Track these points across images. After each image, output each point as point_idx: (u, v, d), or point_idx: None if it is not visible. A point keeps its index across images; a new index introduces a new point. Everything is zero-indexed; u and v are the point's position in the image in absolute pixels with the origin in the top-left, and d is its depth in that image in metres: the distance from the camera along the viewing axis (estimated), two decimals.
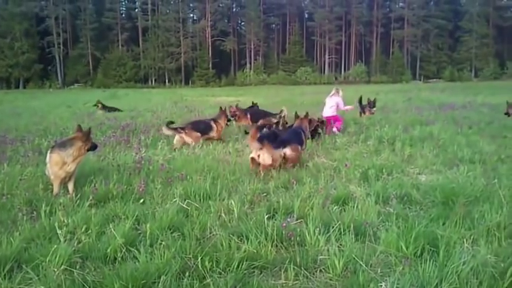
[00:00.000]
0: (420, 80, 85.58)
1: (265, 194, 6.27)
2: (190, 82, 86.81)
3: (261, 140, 7.89)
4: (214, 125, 11.46)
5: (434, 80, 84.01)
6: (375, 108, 16.67)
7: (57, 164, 6.34)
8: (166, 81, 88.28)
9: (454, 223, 4.79)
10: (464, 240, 4.42)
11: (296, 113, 10.31)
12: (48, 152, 6.58)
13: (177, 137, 10.77)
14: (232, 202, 5.50)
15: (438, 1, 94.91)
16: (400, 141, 10.35)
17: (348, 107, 14.42)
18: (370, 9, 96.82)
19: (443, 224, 4.87)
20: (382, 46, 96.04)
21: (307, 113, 10.16)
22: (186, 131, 10.80)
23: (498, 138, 11.02)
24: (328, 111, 13.59)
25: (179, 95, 39.69)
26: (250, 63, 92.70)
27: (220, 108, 12.49)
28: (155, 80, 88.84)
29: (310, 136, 10.47)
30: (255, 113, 14.69)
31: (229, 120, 12.64)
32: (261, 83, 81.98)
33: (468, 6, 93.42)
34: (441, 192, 5.93)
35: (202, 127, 11.26)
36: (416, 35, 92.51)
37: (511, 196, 5.74)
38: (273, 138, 8.51)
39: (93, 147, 7.00)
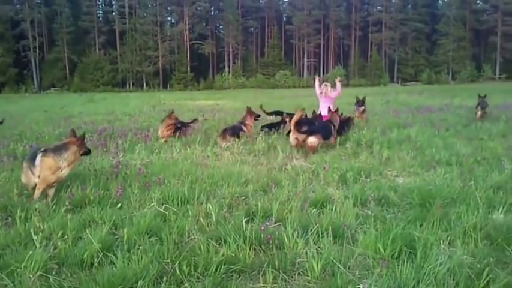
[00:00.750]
0: (398, 83, 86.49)
1: (243, 198, 6.25)
2: (168, 86, 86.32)
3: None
4: (244, 127, 12.49)
5: (412, 82, 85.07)
6: (363, 107, 15.91)
7: (51, 169, 6.17)
8: (144, 84, 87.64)
9: (431, 225, 4.84)
10: (441, 241, 4.46)
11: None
12: (39, 155, 6.24)
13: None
14: (211, 206, 5.46)
15: (415, 4, 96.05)
16: (378, 143, 10.42)
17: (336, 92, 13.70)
18: (348, 13, 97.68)
19: (421, 225, 4.92)
20: (360, 49, 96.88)
21: (337, 108, 11.83)
22: (227, 135, 11.82)
23: (475, 140, 11.18)
24: (324, 110, 13.10)
25: (157, 98, 39.43)
26: (229, 67, 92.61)
27: (247, 107, 13.53)
28: (133, 84, 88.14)
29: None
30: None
31: (258, 116, 13.47)
32: (239, 87, 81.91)
33: (445, 10, 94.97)
34: (418, 194, 5.98)
35: (237, 131, 12.19)
36: (394, 38, 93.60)
37: (487, 197, 5.81)
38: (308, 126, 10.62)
39: (87, 152, 7.01)
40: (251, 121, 12.79)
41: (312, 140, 10.02)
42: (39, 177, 6.16)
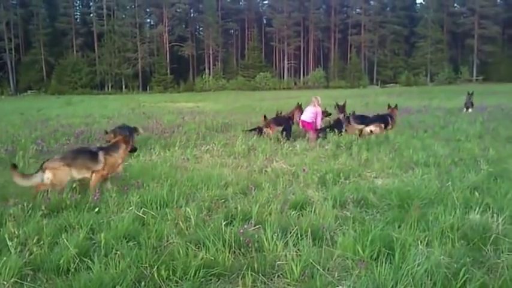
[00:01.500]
0: (377, 85, 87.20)
1: (223, 201, 6.22)
2: (148, 88, 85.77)
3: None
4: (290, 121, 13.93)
5: (391, 84, 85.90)
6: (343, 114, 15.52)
7: (113, 165, 7.22)
8: (123, 87, 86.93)
9: (409, 225, 4.87)
10: (419, 242, 4.49)
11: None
12: (101, 153, 7.11)
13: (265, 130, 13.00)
14: (190, 209, 5.42)
15: (394, 7, 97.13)
16: (357, 145, 10.51)
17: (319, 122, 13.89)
18: (328, 15, 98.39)
19: (399, 226, 4.95)
20: (340, 51, 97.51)
21: (396, 105, 14.02)
22: (271, 125, 13.14)
23: (452, 142, 11.32)
24: (308, 116, 13.42)
25: (137, 101, 39.17)
26: (209, 69, 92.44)
27: (298, 103, 14.69)
28: (112, 86, 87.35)
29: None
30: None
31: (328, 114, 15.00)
32: (220, 89, 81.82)
33: (423, 12, 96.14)
34: (397, 195, 6.03)
35: (282, 122, 13.50)
36: (373, 41, 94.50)
37: (463, 198, 5.88)
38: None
39: (134, 150, 8.10)
40: (297, 115, 13.87)
41: (373, 128, 12.52)
42: (95, 172, 6.98)
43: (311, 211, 5.54)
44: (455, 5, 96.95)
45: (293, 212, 5.65)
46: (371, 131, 12.43)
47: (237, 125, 14.37)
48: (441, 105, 24.20)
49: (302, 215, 5.53)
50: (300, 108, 14.19)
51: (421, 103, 26.91)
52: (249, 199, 6.22)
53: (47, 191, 6.46)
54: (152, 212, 5.56)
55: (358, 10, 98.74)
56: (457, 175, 7.28)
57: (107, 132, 11.18)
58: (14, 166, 6.49)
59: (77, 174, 6.90)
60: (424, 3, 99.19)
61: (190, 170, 8.30)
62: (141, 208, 5.76)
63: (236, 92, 71.91)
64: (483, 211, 5.36)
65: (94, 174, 6.97)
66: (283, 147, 10.86)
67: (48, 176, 6.54)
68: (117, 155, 7.28)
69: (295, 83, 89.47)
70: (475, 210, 5.37)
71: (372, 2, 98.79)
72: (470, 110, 19.76)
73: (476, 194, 6.13)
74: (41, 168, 6.60)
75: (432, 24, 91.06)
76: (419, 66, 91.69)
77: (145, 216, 5.47)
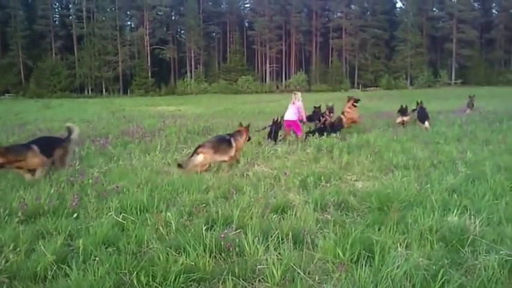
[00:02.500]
0: (358, 88, 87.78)
1: (204, 205, 6.17)
2: (128, 91, 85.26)
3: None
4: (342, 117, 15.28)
5: (372, 88, 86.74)
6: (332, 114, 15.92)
7: (239, 148, 9.59)
8: (104, 90, 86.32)
9: (389, 228, 4.90)
10: (398, 244, 4.51)
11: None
12: (232, 139, 9.34)
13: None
14: (170, 214, 5.38)
15: (374, 11, 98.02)
16: (338, 148, 10.56)
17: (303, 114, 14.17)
18: (309, 19, 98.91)
19: (379, 229, 4.97)
20: (321, 55, 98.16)
21: (421, 101, 16.08)
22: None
23: (431, 144, 11.42)
24: (291, 115, 13.58)
25: (117, 104, 38.88)
26: (191, 72, 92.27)
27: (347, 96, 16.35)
28: (92, 90, 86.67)
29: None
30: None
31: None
32: (202, 92, 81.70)
33: (403, 17, 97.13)
34: (377, 198, 6.06)
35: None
36: (354, 44, 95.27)
37: (442, 200, 5.93)
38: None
39: (250, 138, 10.40)
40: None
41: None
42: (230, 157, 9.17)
43: (292, 215, 5.54)
44: (434, 9, 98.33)
45: (274, 216, 5.63)
46: None
47: (219, 129, 14.30)
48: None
49: (283, 219, 5.51)
50: (351, 101, 15.65)
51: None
52: (230, 203, 6.17)
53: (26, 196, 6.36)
54: (132, 217, 5.49)
55: (339, 14, 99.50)
56: (435, 177, 7.34)
57: None
58: (179, 165, 8.49)
59: (218, 158, 8.99)
60: (403, 7, 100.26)
61: (171, 175, 8.23)
62: (120, 213, 5.69)
63: (218, 95, 71.89)
64: (461, 213, 5.42)
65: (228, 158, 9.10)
66: (264, 150, 10.87)
67: (200, 158, 8.65)
68: (242, 140, 9.61)
69: (277, 87, 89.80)
70: (453, 212, 5.41)
71: (352, 6, 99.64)
72: (468, 111, 20.20)
73: (455, 196, 6.21)
74: (195, 152, 8.79)
75: (412, 28, 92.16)
76: (399, 69, 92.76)
77: (125, 222, 5.39)
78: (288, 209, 5.85)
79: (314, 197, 6.26)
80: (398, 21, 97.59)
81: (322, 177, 7.62)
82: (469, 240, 4.58)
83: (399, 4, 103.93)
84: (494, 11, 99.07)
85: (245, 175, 8.26)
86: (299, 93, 14.28)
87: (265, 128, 14.22)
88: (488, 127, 14.11)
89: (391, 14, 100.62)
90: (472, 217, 5.22)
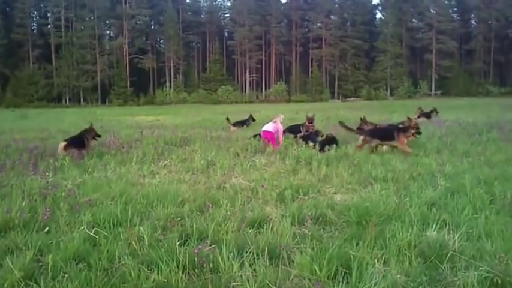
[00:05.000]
0: (339, 99, 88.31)
1: (179, 218, 6.03)
2: (107, 101, 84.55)
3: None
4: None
5: (352, 98, 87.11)
6: (312, 125, 15.89)
7: None
8: (82, 100, 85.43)
9: (367, 243, 4.82)
10: (376, 260, 4.45)
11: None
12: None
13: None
14: (143, 229, 5.24)
15: (354, 22, 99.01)
16: (316, 160, 10.44)
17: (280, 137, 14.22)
18: (289, 29, 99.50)
19: (357, 244, 4.89)
20: (301, 65, 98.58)
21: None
22: None
23: (410, 156, 11.34)
24: (269, 127, 13.95)
25: (95, 114, 38.43)
26: (170, 82, 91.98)
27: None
28: (69, 99, 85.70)
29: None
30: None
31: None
32: (181, 102, 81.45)
33: (382, 27, 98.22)
34: (355, 211, 5.99)
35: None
36: (334, 55, 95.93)
37: (421, 214, 5.87)
38: None
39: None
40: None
41: None
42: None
43: (269, 229, 5.44)
44: (414, 20, 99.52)
45: (250, 230, 5.52)
46: None
47: (197, 139, 14.15)
48: (401, 120, 24.54)
49: (259, 233, 5.41)
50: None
51: (382, 117, 27.11)
52: (205, 217, 6.06)
53: None
54: (104, 232, 5.36)
55: (318, 24, 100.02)
56: (415, 190, 7.30)
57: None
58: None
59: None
60: (383, 18, 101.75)
61: (146, 187, 8.07)
62: (93, 227, 5.55)
63: (197, 105, 71.67)
64: (440, 228, 5.36)
65: None
66: (242, 162, 10.75)
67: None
68: None
69: (257, 97, 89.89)
70: (432, 226, 5.36)
71: (332, 17, 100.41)
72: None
73: (434, 210, 6.15)
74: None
75: (391, 39, 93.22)
76: (379, 80, 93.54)
77: (97, 236, 5.25)
78: (265, 223, 5.75)
79: (291, 211, 6.17)
80: (378, 32, 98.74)
81: (300, 190, 7.55)
82: (448, 256, 4.53)
83: (379, 15, 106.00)
84: (473, 22, 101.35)
85: (222, 187, 8.13)
86: (282, 116, 14.73)
87: (255, 136, 14.54)
88: (468, 139, 14.14)
89: (370, 24, 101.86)
90: (451, 232, 5.19)
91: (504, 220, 5.74)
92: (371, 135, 12.87)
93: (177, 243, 4.80)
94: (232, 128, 21.15)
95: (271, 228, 5.46)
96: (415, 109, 26.40)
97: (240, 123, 22.12)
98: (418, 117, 22.14)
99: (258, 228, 5.64)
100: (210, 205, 6.54)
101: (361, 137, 12.86)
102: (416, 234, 5.04)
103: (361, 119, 15.73)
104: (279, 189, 7.58)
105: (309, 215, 6.00)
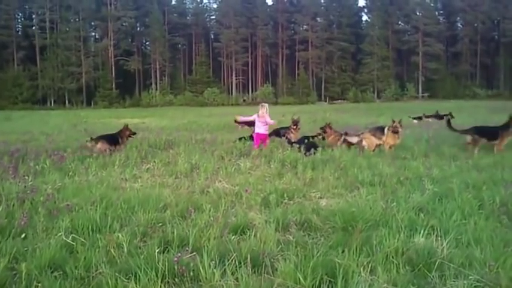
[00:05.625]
0: (326, 101, 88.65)
1: (160, 224, 5.88)
2: (92, 103, 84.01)
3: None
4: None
5: (339, 100, 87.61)
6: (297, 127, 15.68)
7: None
8: (67, 102, 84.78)
9: (353, 250, 4.66)
10: (362, 268, 4.30)
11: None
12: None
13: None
14: (122, 235, 5.06)
15: (340, 24, 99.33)
16: (302, 164, 10.28)
17: (271, 121, 14.30)
18: (275, 31, 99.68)
19: (343, 251, 4.74)
20: (288, 67, 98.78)
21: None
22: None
23: (398, 160, 11.19)
24: (261, 128, 13.93)
25: (79, 116, 38.03)
26: (156, 84, 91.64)
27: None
28: (54, 101, 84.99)
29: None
30: None
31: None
32: (167, 104, 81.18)
33: (369, 30, 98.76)
34: (341, 217, 5.84)
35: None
36: (321, 57, 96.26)
37: (408, 220, 5.73)
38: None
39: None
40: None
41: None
42: None
43: (252, 235, 5.29)
44: (400, 22, 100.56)
45: (233, 237, 5.38)
46: None
47: (181, 142, 13.96)
48: (388, 123, 24.54)
49: (242, 240, 5.27)
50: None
51: (369, 120, 27.15)
52: (187, 222, 5.88)
53: None
54: (82, 239, 5.18)
55: (305, 26, 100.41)
56: (402, 195, 7.17)
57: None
58: None
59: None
60: (369, 20, 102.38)
61: (128, 191, 7.88)
62: (71, 233, 5.36)
63: (183, 107, 71.45)
64: (428, 234, 5.24)
65: None
66: (227, 165, 10.58)
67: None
68: None
69: (244, 99, 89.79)
70: (420, 233, 5.22)
71: (318, 19, 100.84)
72: None
73: (421, 215, 6.00)
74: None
75: (378, 42, 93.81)
76: (366, 82, 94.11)
77: (74, 243, 5.07)
78: (248, 229, 5.60)
79: (276, 216, 6.00)
80: (364, 34, 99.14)
81: (285, 194, 7.39)
82: (437, 263, 4.40)
83: (365, 17, 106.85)
84: (459, 24, 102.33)
85: (205, 192, 7.96)
86: (266, 105, 14.30)
87: (241, 138, 14.64)
88: (455, 142, 14.10)
89: (357, 27, 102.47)
90: (440, 238, 5.08)
91: (493, 226, 5.62)
92: (479, 134, 12.96)
93: (157, 251, 4.64)
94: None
95: (255, 235, 5.30)
96: (421, 113, 27.11)
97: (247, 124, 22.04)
98: (428, 117, 24.15)
99: (241, 235, 5.50)
100: (193, 210, 6.34)
101: (469, 137, 12.99)
102: (404, 241, 4.91)
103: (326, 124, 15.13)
104: (263, 193, 7.42)
105: (293, 220, 5.86)
